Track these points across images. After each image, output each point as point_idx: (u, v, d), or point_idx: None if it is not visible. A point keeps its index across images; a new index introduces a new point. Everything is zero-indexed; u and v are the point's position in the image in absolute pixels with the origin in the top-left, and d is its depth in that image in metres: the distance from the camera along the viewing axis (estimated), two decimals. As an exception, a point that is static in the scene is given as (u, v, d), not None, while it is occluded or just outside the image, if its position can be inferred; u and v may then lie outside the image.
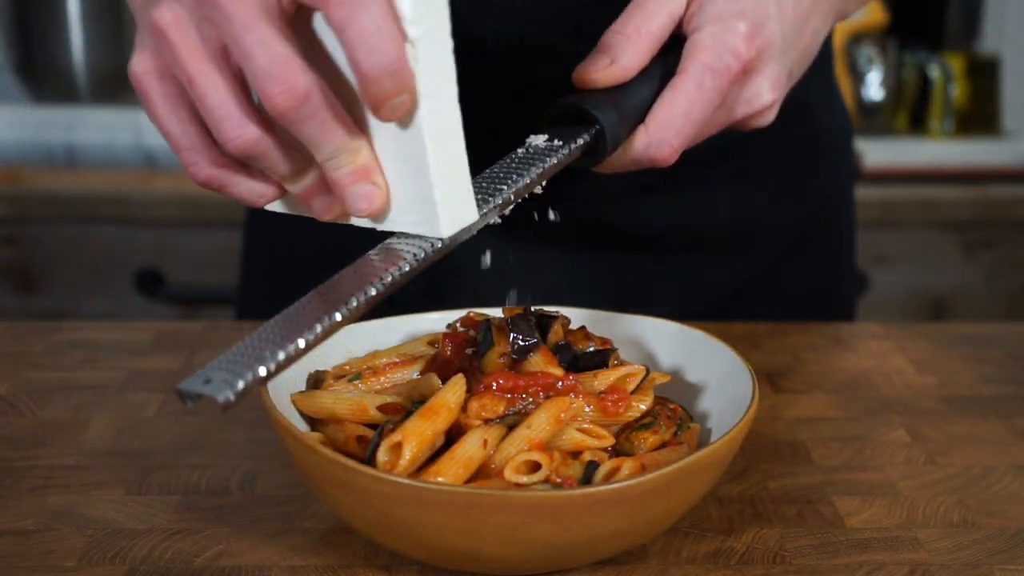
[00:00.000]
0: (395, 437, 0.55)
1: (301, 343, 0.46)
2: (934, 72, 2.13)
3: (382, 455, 0.55)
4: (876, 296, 1.96)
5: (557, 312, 0.64)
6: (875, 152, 1.98)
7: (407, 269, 0.50)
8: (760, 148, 0.86)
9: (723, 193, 0.86)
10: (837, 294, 1.00)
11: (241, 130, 0.50)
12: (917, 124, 2.17)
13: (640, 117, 0.61)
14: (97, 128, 1.90)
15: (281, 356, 0.45)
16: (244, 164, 0.53)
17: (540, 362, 0.60)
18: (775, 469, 0.68)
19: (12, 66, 2.02)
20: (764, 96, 0.63)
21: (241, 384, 0.44)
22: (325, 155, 0.51)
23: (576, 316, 0.67)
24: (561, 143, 0.58)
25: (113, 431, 0.71)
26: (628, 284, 0.87)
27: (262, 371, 0.44)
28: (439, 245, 0.51)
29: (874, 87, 2.13)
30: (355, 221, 0.54)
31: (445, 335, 0.62)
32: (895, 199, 1.92)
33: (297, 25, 0.49)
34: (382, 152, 0.51)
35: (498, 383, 0.58)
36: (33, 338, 0.86)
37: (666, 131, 0.60)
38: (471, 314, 0.64)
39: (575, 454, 0.57)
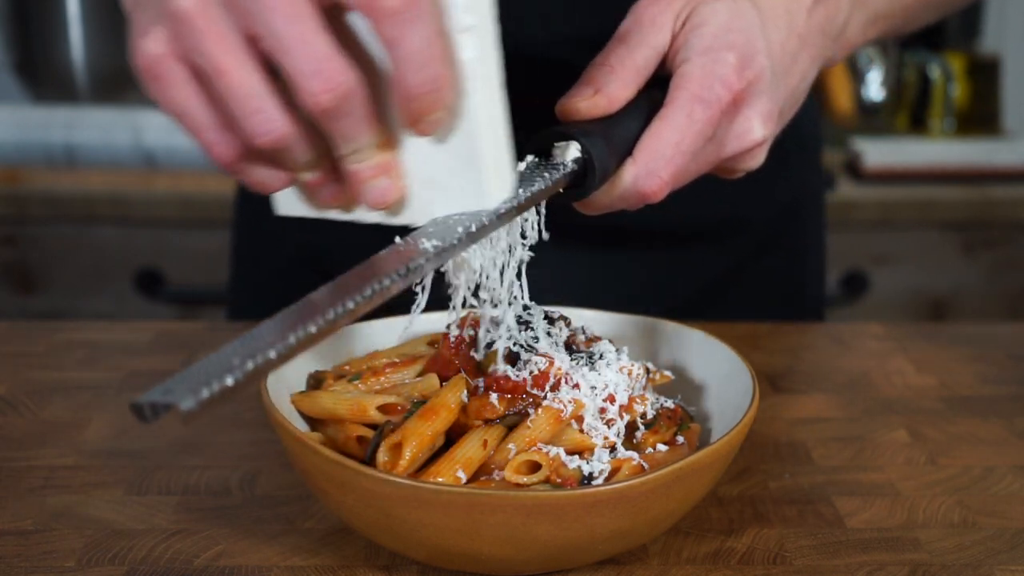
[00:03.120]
0: (395, 437, 0.55)
1: (272, 354, 0.43)
2: (934, 72, 2.13)
3: (382, 455, 0.55)
4: (876, 296, 1.96)
5: (558, 312, 0.64)
6: (875, 152, 1.98)
7: (387, 284, 0.48)
8: None
9: (697, 189, 0.88)
10: (806, 291, 1.00)
11: (273, 124, 0.49)
12: (917, 124, 2.17)
13: (628, 152, 0.59)
14: (96, 128, 1.90)
15: (250, 366, 0.42)
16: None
17: (541, 362, 0.59)
18: (775, 469, 0.68)
19: (12, 66, 2.02)
20: (755, 132, 0.61)
21: (206, 392, 0.41)
22: (350, 150, 0.51)
23: (577, 316, 0.67)
24: (549, 168, 0.56)
25: (113, 431, 0.71)
26: (600, 281, 0.87)
27: (229, 380, 0.42)
28: (423, 262, 0.49)
29: (874, 87, 2.13)
30: (361, 214, 0.54)
31: (445, 335, 0.62)
32: (895, 199, 1.92)
33: (331, 16, 0.49)
34: (409, 143, 0.52)
35: (498, 383, 0.58)
36: (33, 338, 0.86)
37: (656, 162, 0.58)
38: (471, 314, 0.64)
39: (575, 454, 0.57)
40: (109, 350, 0.84)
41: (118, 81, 2.00)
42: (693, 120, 0.58)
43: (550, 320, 0.63)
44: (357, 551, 0.59)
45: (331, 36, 0.48)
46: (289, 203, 0.57)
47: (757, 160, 0.64)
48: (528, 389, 0.57)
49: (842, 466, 0.68)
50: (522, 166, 0.56)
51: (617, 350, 0.62)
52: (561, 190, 0.56)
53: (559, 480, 0.55)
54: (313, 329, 0.44)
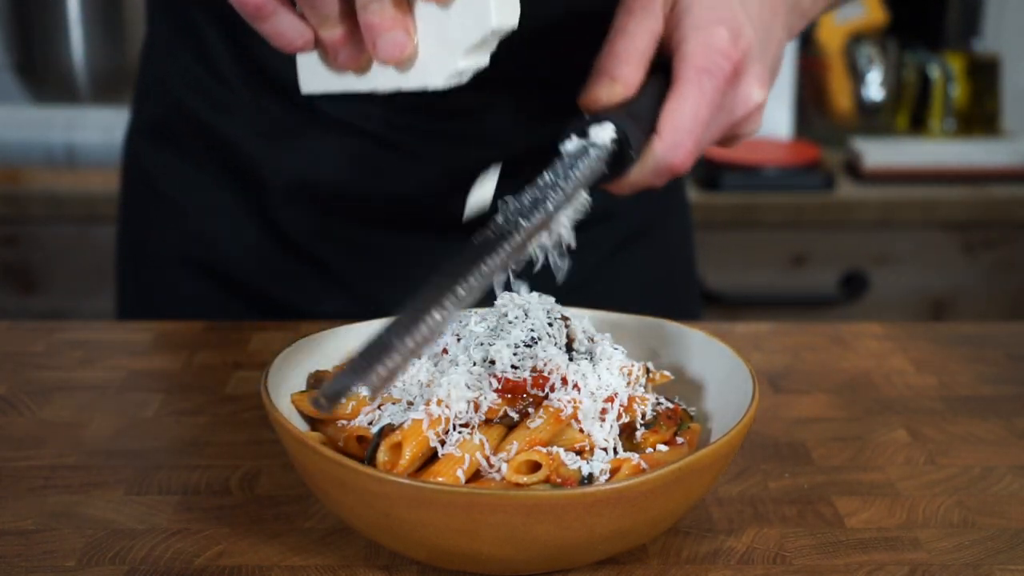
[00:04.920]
0: (395, 437, 0.55)
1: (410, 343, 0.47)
2: (934, 72, 2.13)
3: (382, 455, 0.55)
4: (876, 296, 1.96)
5: (558, 311, 0.64)
6: (875, 152, 1.98)
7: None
8: None
9: None
10: (675, 284, 1.04)
11: None
12: (917, 124, 2.18)
13: (650, 131, 0.63)
14: (97, 128, 1.90)
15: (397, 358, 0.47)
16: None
17: (540, 362, 0.59)
18: (775, 469, 0.68)
19: (12, 66, 2.02)
20: (755, 95, 0.66)
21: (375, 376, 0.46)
22: None
23: (577, 316, 0.67)
24: (590, 148, 0.60)
25: (113, 431, 0.71)
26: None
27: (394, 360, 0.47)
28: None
29: (874, 87, 2.13)
30: (374, 82, 0.59)
31: (445, 335, 0.62)
32: (895, 199, 1.92)
33: None
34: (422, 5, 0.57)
35: (498, 383, 0.58)
36: (33, 338, 0.86)
37: (679, 134, 0.62)
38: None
39: (575, 454, 0.57)
40: (109, 350, 0.84)
41: (118, 81, 2.00)
42: (704, 91, 0.63)
43: (550, 320, 0.63)
44: (357, 551, 0.59)
45: None
46: (311, 79, 0.61)
47: (757, 124, 0.69)
48: (528, 389, 0.57)
49: (842, 466, 0.68)
50: (568, 147, 0.60)
51: (617, 350, 0.62)
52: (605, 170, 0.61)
53: (559, 480, 0.55)
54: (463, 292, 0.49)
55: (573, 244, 0.58)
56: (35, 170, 1.89)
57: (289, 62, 0.61)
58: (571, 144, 0.60)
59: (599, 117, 0.61)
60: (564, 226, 0.58)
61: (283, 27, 0.57)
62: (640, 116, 0.62)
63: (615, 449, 0.58)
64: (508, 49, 0.65)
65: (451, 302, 0.49)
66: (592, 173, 0.59)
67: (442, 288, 0.49)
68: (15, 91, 2.05)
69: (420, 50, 0.57)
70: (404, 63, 0.57)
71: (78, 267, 1.87)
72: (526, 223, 0.53)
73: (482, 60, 0.58)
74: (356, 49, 0.58)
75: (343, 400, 0.46)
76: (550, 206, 0.55)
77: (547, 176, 0.57)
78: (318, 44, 0.59)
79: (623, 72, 0.63)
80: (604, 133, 0.60)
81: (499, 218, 0.54)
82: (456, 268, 0.51)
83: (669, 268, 1.03)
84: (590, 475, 0.55)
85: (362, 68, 0.59)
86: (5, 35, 2.00)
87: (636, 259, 0.99)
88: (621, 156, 0.61)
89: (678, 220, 1.04)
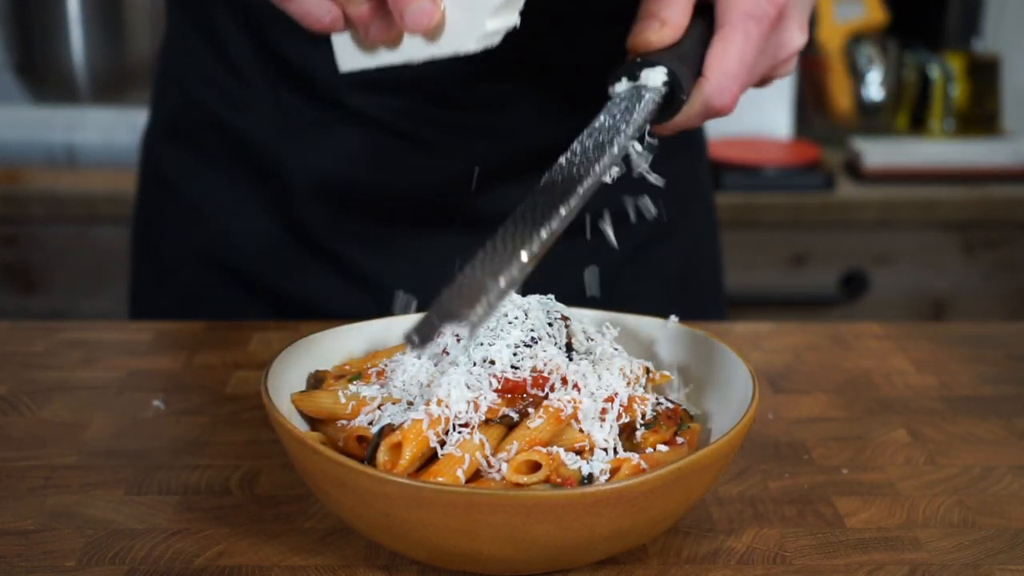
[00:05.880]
0: (395, 437, 0.55)
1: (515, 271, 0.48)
2: (934, 72, 2.13)
3: (382, 455, 0.55)
4: (876, 296, 1.96)
5: (559, 311, 0.64)
6: (875, 152, 1.98)
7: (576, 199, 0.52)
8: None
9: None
10: (701, 281, 1.04)
11: None
12: (917, 124, 2.18)
13: (696, 74, 0.64)
14: (97, 128, 1.90)
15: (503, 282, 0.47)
16: None
17: (540, 362, 0.59)
18: (775, 469, 0.68)
19: (12, 66, 2.02)
20: (796, 40, 0.68)
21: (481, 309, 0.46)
22: None
23: (577, 316, 0.67)
24: (642, 92, 0.60)
25: (113, 431, 0.71)
26: None
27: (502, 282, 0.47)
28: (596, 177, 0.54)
29: (874, 87, 2.13)
30: (408, 53, 0.60)
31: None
32: (895, 199, 1.92)
33: None
34: None
35: (498, 383, 0.58)
36: (33, 338, 0.86)
37: (725, 78, 0.64)
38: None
39: (575, 454, 0.57)
40: (109, 350, 0.84)
41: (118, 81, 1.99)
42: (749, 36, 0.64)
43: (550, 320, 0.63)
44: (357, 551, 0.59)
45: None
46: (347, 58, 0.62)
47: (791, 67, 0.71)
48: (528, 389, 0.57)
49: (842, 466, 0.68)
50: (619, 89, 0.61)
51: (617, 350, 0.62)
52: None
53: (559, 480, 0.55)
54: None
55: (660, 183, 0.60)
56: (35, 170, 1.89)
57: (309, 52, 0.61)
58: (621, 86, 0.61)
59: (650, 60, 0.61)
60: (641, 165, 0.59)
61: (310, 6, 0.58)
62: (686, 58, 0.63)
63: (615, 449, 0.58)
64: (530, 36, 0.65)
65: (536, 245, 0.49)
66: (649, 115, 0.59)
67: (525, 231, 0.49)
68: (15, 91, 2.04)
69: (448, 16, 0.58)
70: (433, 31, 0.58)
71: (78, 267, 1.87)
72: (597, 165, 0.54)
73: (511, 20, 0.59)
74: (385, 23, 0.59)
75: (435, 339, 0.46)
76: (615, 149, 0.55)
77: (604, 119, 0.58)
78: (348, 23, 0.60)
79: (671, 14, 0.64)
80: (656, 76, 0.61)
81: (563, 161, 0.55)
82: (532, 212, 0.51)
83: (695, 267, 1.02)
84: (590, 475, 0.55)
85: (394, 41, 0.60)
86: (5, 35, 2.00)
87: (661, 258, 0.98)
88: (671, 98, 0.62)
89: (705, 219, 1.04)
